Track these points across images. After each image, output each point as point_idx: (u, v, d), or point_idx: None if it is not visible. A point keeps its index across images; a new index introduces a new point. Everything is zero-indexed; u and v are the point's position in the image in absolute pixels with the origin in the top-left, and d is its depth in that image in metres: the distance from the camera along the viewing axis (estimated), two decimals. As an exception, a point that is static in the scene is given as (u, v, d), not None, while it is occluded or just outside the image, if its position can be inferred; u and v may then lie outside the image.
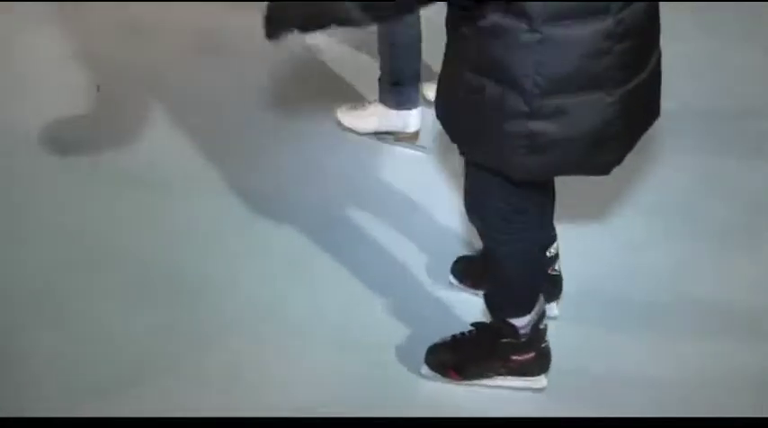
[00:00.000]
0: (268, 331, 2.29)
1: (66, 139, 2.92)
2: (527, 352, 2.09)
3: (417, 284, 2.44)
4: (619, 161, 1.74)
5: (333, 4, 1.52)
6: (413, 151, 2.90)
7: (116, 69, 3.19)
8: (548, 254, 2.26)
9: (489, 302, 2.10)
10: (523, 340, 2.06)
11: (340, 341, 2.27)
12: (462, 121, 1.73)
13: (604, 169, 1.74)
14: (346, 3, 1.50)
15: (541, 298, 2.06)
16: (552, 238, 2.25)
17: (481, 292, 2.20)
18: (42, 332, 2.28)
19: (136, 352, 2.23)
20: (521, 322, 2.03)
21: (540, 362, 2.12)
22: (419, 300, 2.39)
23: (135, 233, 2.59)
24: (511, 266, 1.99)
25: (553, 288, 2.34)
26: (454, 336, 2.17)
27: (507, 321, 2.04)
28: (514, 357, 2.09)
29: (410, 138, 2.89)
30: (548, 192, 2.05)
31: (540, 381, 2.15)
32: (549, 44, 1.50)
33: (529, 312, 2.03)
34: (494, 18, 1.52)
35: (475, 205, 1.93)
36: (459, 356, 2.14)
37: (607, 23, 1.51)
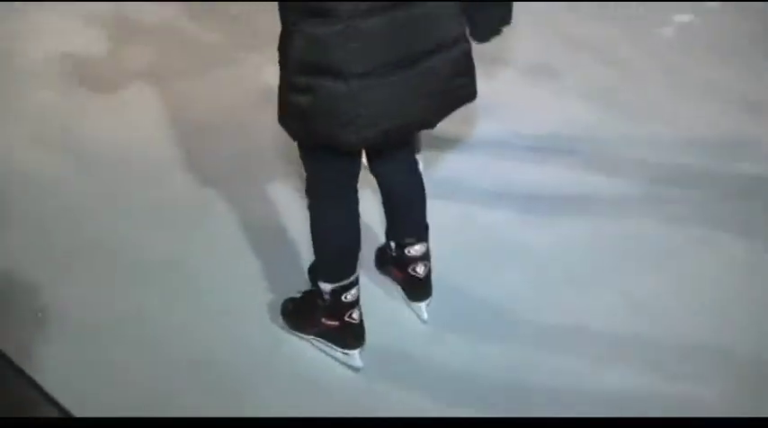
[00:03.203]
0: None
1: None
2: (333, 319, 2.34)
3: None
4: (363, 143, 2.01)
5: None
6: None
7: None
8: (407, 252, 2.42)
9: (310, 265, 2.40)
10: (327, 304, 2.30)
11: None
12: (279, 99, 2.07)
13: (349, 146, 2.00)
14: None
15: (354, 277, 2.30)
16: (410, 235, 2.42)
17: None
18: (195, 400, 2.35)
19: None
20: (325, 287, 2.30)
21: (346, 334, 2.34)
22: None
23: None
24: (317, 237, 2.29)
25: (412, 288, 2.49)
26: (302, 292, 2.47)
27: (317, 283, 2.33)
28: (323, 320, 2.35)
29: None
30: (352, 173, 2.23)
31: (354, 359, 2.36)
32: (301, 35, 1.86)
33: (332, 282, 2.28)
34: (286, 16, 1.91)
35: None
36: (294, 308, 2.48)
37: (339, 26, 1.82)
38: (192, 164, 3.21)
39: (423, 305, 2.50)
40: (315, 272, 2.35)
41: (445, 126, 2.17)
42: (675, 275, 2.68)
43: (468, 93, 2.08)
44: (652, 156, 3.23)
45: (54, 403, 2.28)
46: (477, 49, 2.07)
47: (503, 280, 2.65)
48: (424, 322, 2.50)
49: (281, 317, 2.48)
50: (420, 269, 2.43)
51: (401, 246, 2.42)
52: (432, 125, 2.09)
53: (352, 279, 2.29)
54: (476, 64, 2.06)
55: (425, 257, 2.43)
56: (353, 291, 2.30)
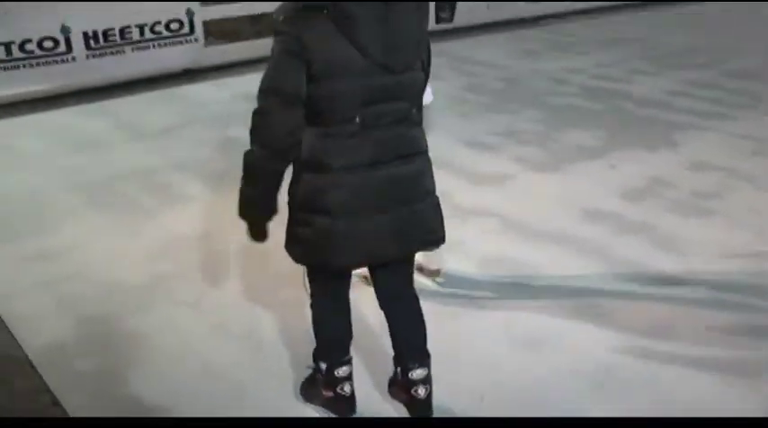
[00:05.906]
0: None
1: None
2: (329, 390, 2.94)
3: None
4: (354, 265, 2.66)
5: (250, 168, 2.51)
6: (430, 283, 3.87)
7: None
8: (410, 376, 2.84)
9: (314, 349, 2.94)
10: (324, 378, 2.90)
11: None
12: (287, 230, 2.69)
13: (341, 268, 2.64)
14: (253, 156, 2.49)
15: (345, 358, 2.89)
16: (412, 362, 2.83)
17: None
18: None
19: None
20: (320, 365, 2.93)
21: (338, 403, 2.94)
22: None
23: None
24: (316, 328, 2.91)
25: (415, 408, 2.89)
26: (310, 367, 3.03)
27: (316, 360, 2.94)
28: (323, 392, 2.95)
29: (432, 274, 3.88)
30: (343, 286, 2.83)
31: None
32: (304, 183, 2.53)
33: (324, 360, 2.90)
34: (295, 168, 2.58)
35: None
36: (306, 382, 3.07)
37: (330, 177, 2.48)
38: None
39: None
40: (316, 354, 2.91)
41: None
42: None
43: (437, 238, 2.67)
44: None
45: None
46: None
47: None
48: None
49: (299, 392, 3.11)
50: (421, 391, 2.82)
51: (405, 371, 2.83)
52: (402, 257, 2.67)
53: (344, 359, 2.85)
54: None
55: (426, 381, 2.82)
56: (345, 368, 2.87)
